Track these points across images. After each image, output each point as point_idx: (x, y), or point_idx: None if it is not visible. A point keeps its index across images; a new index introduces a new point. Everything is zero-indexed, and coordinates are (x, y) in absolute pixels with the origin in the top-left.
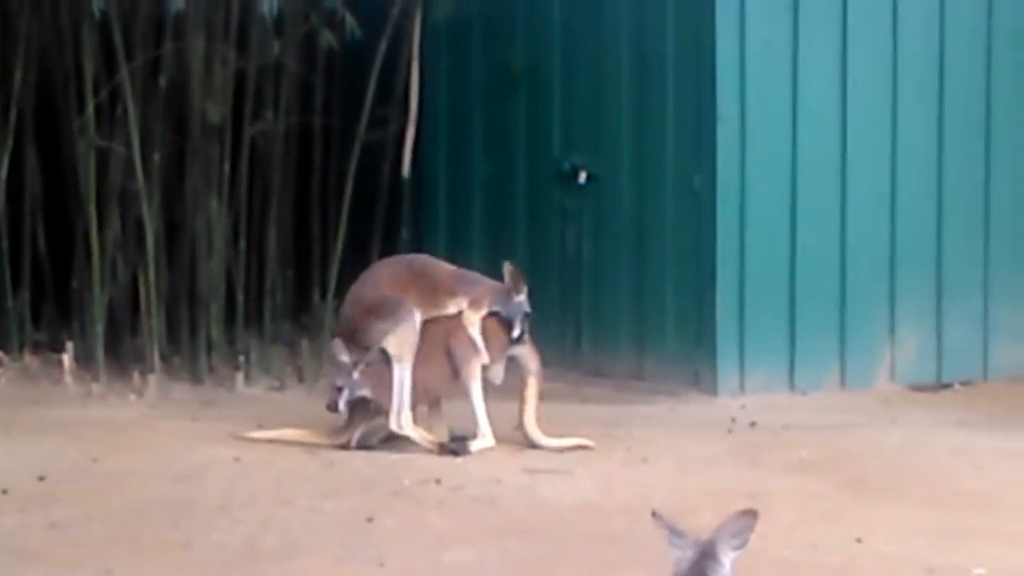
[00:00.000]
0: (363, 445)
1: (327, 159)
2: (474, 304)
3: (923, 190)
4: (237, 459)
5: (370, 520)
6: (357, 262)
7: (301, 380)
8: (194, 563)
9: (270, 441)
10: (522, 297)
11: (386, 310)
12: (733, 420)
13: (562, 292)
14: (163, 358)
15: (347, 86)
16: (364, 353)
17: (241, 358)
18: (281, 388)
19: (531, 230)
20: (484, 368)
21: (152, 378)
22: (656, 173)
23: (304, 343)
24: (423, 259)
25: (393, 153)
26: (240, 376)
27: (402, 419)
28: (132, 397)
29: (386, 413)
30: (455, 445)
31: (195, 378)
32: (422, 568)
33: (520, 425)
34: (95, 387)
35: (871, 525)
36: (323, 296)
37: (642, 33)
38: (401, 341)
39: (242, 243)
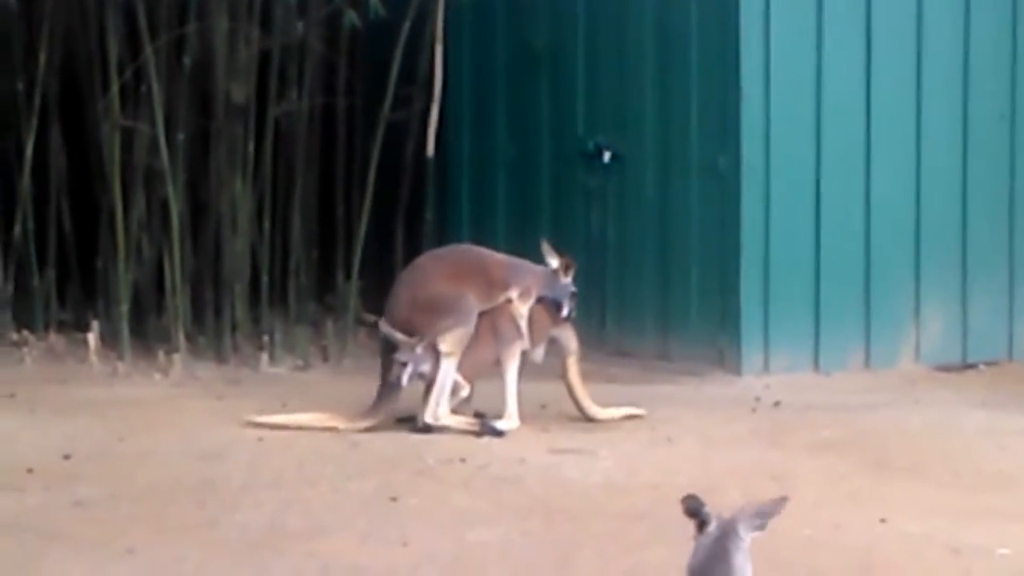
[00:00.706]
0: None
1: (351, 139)
2: (523, 295)
3: (948, 170)
4: (261, 439)
5: (394, 499)
6: (381, 242)
7: (325, 360)
8: (218, 542)
9: (284, 427)
10: (569, 279)
11: (447, 307)
12: (757, 400)
13: (586, 272)
14: (188, 338)
15: (371, 66)
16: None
17: (266, 338)
18: (305, 368)
19: (555, 210)
20: (525, 351)
21: (177, 357)
22: (680, 153)
23: (328, 323)
24: (473, 251)
25: (417, 133)
26: (265, 356)
27: (440, 411)
28: (157, 376)
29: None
30: (493, 426)
31: (220, 358)
32: (446, 547)
33: (577, 407)
34: (120, 366)
35: (895, 505)
36: (347, 276)
37: (666, 12)
38: (457, 339)
39: (266, 223)
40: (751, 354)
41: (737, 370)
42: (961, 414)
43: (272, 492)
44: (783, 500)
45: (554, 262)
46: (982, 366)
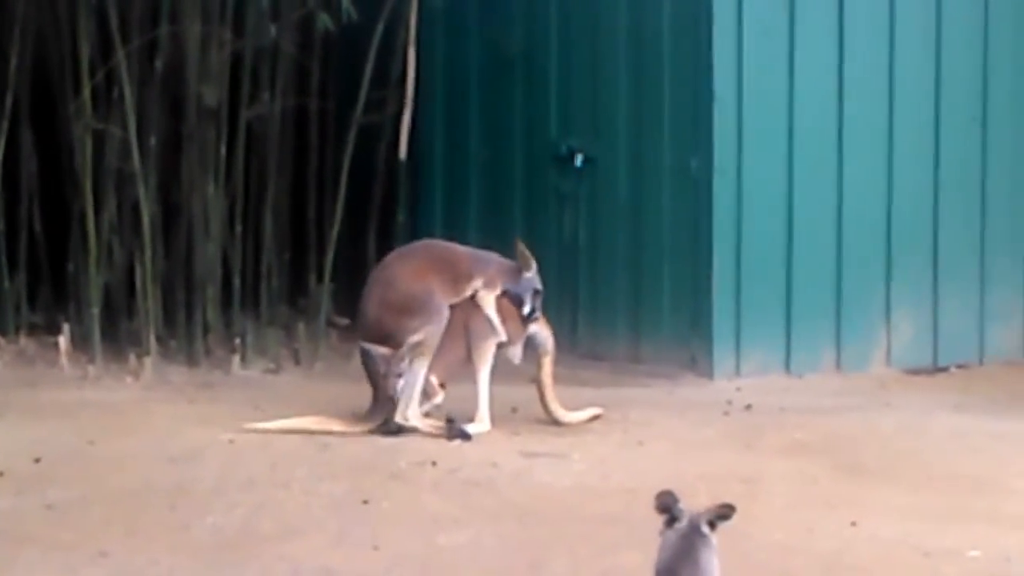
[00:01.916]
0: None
1: (324, 142)
2: (488, 284)
3: (920, 173)
4: (232, 441)
5: (366, 502)
6: (353, 245)
7: (297, 363)
8: (190, 545)
9: (281, 431)
10: (531, 274)
11: (417, 306)
12: (729, 403)
13: (559, 275)
14: (159, 341)
15: (344, 69)
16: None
17: (237, 341)
18: (277, 371)
19: (528, 213)
20: (502, 348)
21: (148, 361)
22: (653, 156)
23: (300, 326)
24: (439, 245)
25: (390, 136)
26: (236, 359)
27: (409, 412)
28: (128, 379)
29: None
30: (462, 429)
31: (191, 361)
32: (417, 551)
33: (543, 407)
34: (91, 369)
35: (866, 508)
36: (319, 279)
37: (639, 16)
38: (428, 336)
39: (238, 226)
40: (723, 357)
41: (709, 373)
42: (932, 417)
43: (244, 495)
44: (730, 507)
45: (517, 256)
46: (953, 369)
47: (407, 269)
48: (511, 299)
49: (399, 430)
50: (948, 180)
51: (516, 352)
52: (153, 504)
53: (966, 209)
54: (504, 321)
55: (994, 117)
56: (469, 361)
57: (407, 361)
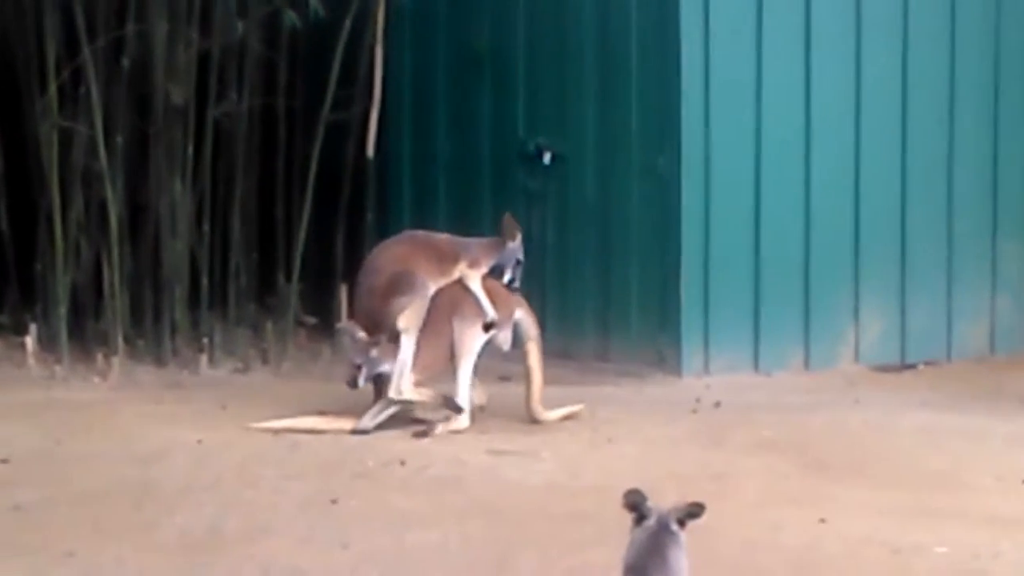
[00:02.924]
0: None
1: (291, 140)
2: (474, 264)
3: (887, 172)
4: (200, 441)
5: (334, 502)
6: (321, 244)
7: (265, 362)
8: (158, 545)
9: (287, 430)
10: (515, 244)
11: (401, 286)
12: (698, 401)
13: (527, 273)
14: (127, 341)
15: (311, 66)
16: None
17: (205, 340)
18: (245, 370)
19: (496, 212)
20: (492, 338)
21: (116, 361)
22: (621, 154)
23: (268, 325)
24: (420, 233)
25: (357, 134)
26: (204, 359)
27: (402, 384)
28: (96, 380)
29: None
30: (455, 401)
31: (159, 361)
32: (386, 549)
33: (527, 399)
34: (58, 370)
35: (835, 505)
36: (288, 278)
37: (606, 14)
38: (412, 313)
39: (206, 225)
40: (691, 355)
41: (677, 371)
42: (900, 414)
43: (211, 495)
44: (700, 506)
45: (515, 234)
46: (921, 366)
47: (391, 255)
48: (493, 271)
49: (458, 407)
50: (915, 177)
51: (505, 337)
52: (120, 504)
53: (934, 206)
54: (492, 301)
55: (961, 115)
56: (449, 360)
57: (375, 354)
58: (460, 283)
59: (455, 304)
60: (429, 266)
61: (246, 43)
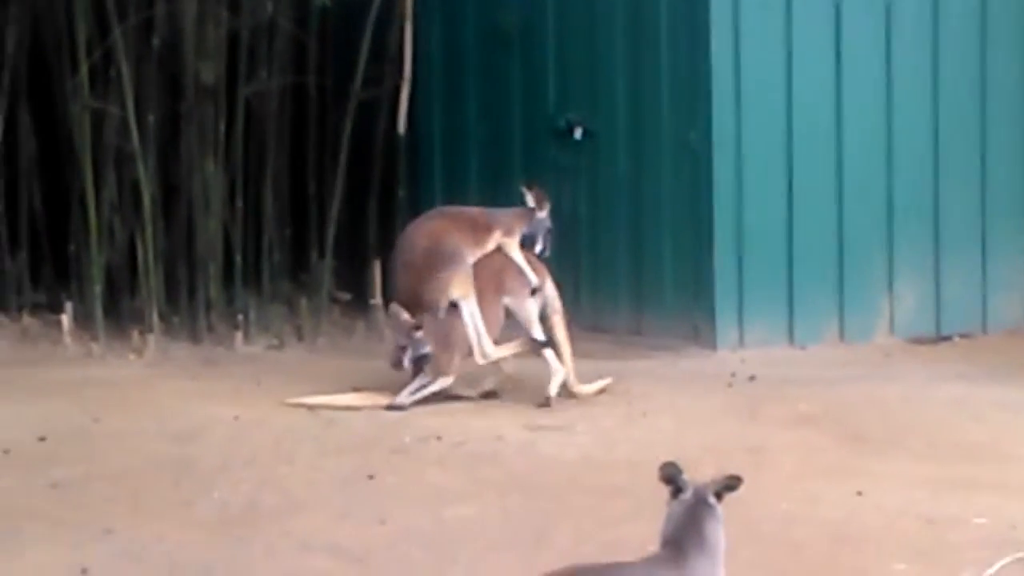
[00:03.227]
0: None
1: (322, 118)
2: (508, 232)
3: (919, 143)
4: (237, 418)
5: (371, 478)
6: (354, 220)
7: (300, 339)
8: (195, 522)
9: (323, 406)
10: (544, 214)
11: (441, 260)
12: (733, 374)
13: (559, 248)
14: (162, 318)
15: (341, 44)
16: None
17: (240, 317)
18: (280, 347)
19: None
20: (536, 294)
21: (151, 338)
22: (652, 129)
23: (303, 302)
24: (449, 208)
25: (388, 111)
26: (239, 335)
27: (485, 348)
28: (131, 357)
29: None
30: (540, 341)
31: (194, 337)
32: (423, 525)
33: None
34: (94, 347)
35: (871, 478)
36: (321, 255)
37: None
38: (461, 282)
39: (239, 203)
40: (726, 328)
41: (712, 345)
42: (936, 386)
43: (248, 471)
44: (737, 478)
45: (530, 200)
46: (956, 338)
47: (425, 231)
48: (524, 242)
49: (544, 345)
50: (948, 149)
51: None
52: (158, 481)
53: (967, 177)
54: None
55: (993, 85)
56: (495, 332)
57: (419, 335)
58: (497, 255)
59: (499, 283)
60: (464, 236)
61: (276, 21)
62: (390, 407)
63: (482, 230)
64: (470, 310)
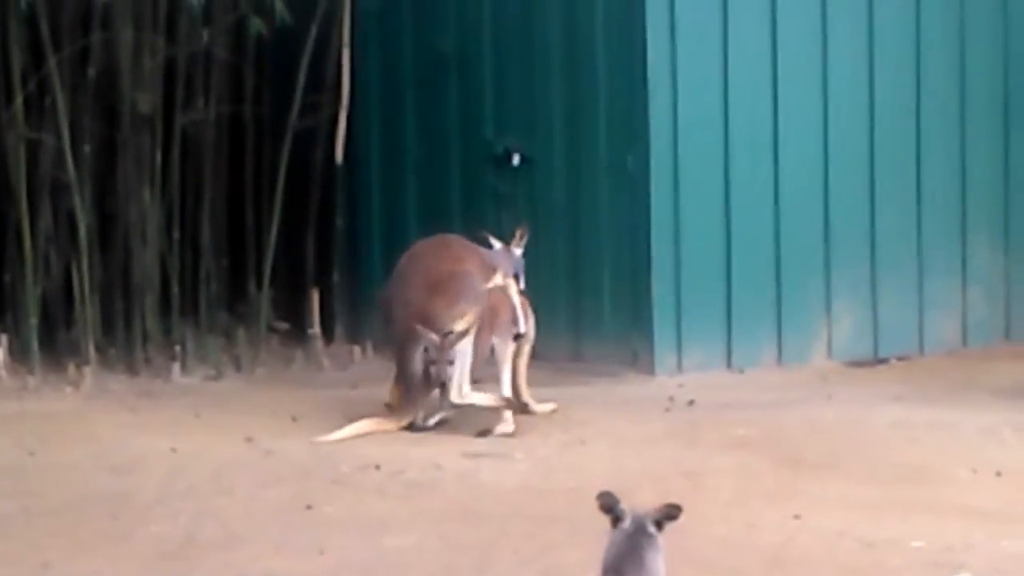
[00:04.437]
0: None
1: (259, 147)
2: (506, 274)
3: (855, 167)
4: (175, 450)
5: (309, 508)
6: (292, 249)
7: (238, 369)
8: (133, 555)
9: (352, 437)
10: (520, 251)
11: (464, 290)
12: (671, 399)
13: None
14: (99, 350)
15: (278, 73)
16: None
17: (177, 348)
18: (218, 377)
19: (466, 214)
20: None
21: (88, 370)
22: (589, 154)
23: (240, 332)
24: (452, 236)
25: (326, 140)
26: (176, 366)
27: (464, 388)
28: (68, 390)
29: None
30: (525, 403)
31: (131, 369)
32: (363, 554)
33: (515, 393)
34: (30, 380)
35: (809, 501)
36: (258, 285)
37: (572, 14)
38: (473, 318)
39: (176, 233)
40: (664, 353)
41: (651, 370)
42: (874, 409)
43: (186, 503)
44: (676, 507)
45: (497, 243)
46: (894, 360)
47: (445, 255)
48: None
49: (526, 407)
50: (884, 172)
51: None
52: (95, 514)
53: (903, 201)
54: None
55: (928, 108)
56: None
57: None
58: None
59: (492, 321)
60: (480, 271)
61: (212, 50)
62: (412, 427)
63: (488, 268)
64: (466, 348)
